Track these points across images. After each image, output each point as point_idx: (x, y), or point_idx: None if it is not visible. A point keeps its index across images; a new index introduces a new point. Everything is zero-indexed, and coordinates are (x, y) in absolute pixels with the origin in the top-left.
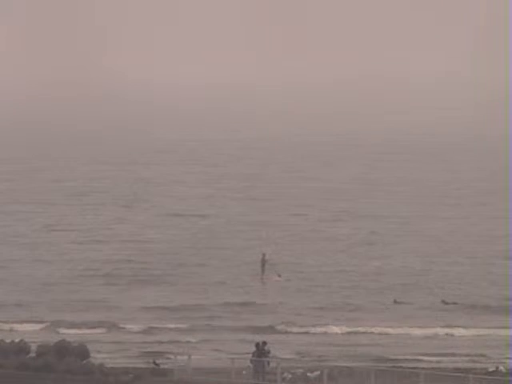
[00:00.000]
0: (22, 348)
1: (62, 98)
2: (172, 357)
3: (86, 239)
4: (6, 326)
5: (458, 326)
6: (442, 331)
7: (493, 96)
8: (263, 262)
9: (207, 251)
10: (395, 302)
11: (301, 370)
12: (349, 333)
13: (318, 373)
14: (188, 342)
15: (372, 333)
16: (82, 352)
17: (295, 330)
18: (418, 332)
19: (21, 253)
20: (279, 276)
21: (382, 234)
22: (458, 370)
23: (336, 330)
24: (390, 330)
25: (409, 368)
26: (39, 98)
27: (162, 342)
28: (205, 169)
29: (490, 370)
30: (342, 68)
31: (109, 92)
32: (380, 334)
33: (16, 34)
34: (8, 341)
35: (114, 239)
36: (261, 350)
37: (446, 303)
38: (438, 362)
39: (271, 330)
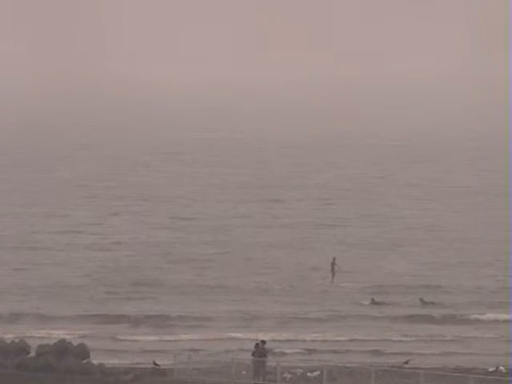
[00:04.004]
0: (21, 348)
1: (60, 97)
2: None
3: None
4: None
5: None
6: None
7: (492, 96)
8: (333, 265)
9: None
10: (422, 301)
11: (301, 370)
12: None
13: (317, 373)
14: None
15: None
16: (82, 352)
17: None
18: None
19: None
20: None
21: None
22: (457, 369)
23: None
24: None
25: (409, 368)
26: (38, 97)
27: None
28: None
29: (490, 370)
30: (341, 68)
31: (108, 91)
32: None
33: (16, 33)
34: (8, 341)
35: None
36: (261, 350)
37: (425, 303)
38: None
39: None
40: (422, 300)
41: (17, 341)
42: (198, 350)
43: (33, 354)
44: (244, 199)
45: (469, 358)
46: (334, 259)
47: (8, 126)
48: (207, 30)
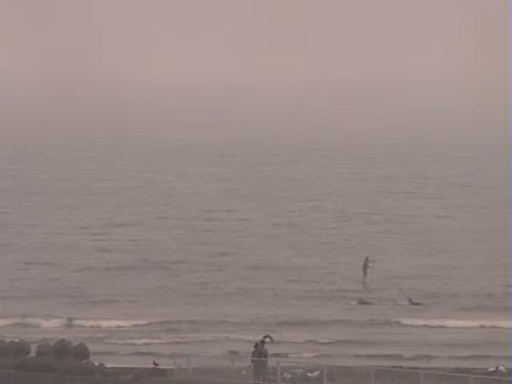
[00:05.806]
0: (21, 348)
1: (60, 97)
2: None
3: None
4: None
5: None
6: None
7: (492, 97)
8: (365, 265)
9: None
10: (410, 301)
11: (301, 370)
12: None
13: (317, 373)
14: None
15: None
16: (82, 352)
17: None
18: None
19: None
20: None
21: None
22: (457, 369)
23: None
24: None
25: (409, 368)
26: (38, 98)
27: None
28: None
29: (490, 370)
30: (341, 69)
31: (108, 91)
32: None
33: (15, 33)
34: (8, 341)
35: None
36: (260, 350)
37: (413, 303)
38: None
39: None
40: (410, 300)
41: (17, 341)
42: (197, 351)
43: (33, 354)
44: (245, 199)
45: (468, 358)
46: (367, 259)
47: (7, 126)
48: (207, 30)
